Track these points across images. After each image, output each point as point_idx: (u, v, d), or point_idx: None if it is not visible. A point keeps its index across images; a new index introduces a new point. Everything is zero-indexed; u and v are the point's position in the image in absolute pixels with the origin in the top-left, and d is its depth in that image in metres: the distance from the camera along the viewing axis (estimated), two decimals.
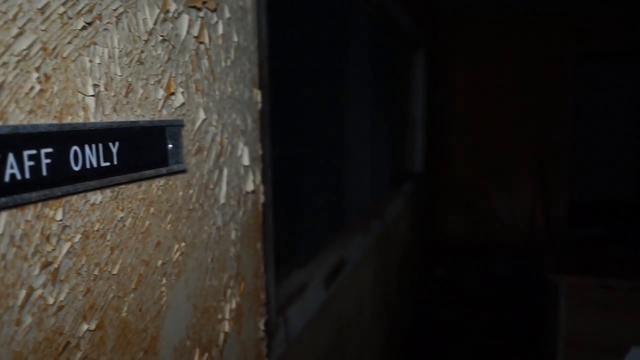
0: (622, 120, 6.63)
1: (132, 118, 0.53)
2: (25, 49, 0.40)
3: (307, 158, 1.85)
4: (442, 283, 4.67)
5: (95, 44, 0.48)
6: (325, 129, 2.07)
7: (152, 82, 0.56)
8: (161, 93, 0.58)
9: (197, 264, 0.66)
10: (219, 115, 0.71)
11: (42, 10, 0.42)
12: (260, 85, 0.88)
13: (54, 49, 0.43)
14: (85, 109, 0.47)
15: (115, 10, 0.50)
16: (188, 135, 0.64)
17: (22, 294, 0.41)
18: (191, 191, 0.64)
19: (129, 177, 0.52)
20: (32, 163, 0.40)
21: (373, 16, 2.69)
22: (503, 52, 5.17)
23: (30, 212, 0.41)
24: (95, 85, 0.48)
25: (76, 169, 0.45)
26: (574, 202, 5.30)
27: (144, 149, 0.54)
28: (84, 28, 0.46)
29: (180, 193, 0.62)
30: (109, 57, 0.50)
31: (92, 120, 0.48)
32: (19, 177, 0.39)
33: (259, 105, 0.85)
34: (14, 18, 0.39)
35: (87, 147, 0.46)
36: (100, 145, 0.48)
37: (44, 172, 0.41)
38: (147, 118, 0.56)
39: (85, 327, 0.47)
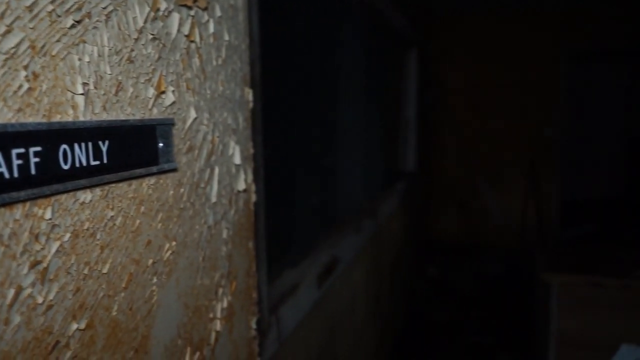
0: (613, 120, 6.68)
1: (122, 117, 0.53)
2: (13, 47, 0.40)
3: (299, 157, 1.85)
4: (434, 282, 4.69)
5: (84, 42, 0.48)
6: (317, 128, 2.08)
7: (142, 81, 0.56)
8: (152, 92, 0.58)
9: (189, 263, 0.66)
10: (210, 114, 0.71)
11: (30, 8, 0.42)
12: (251, 84, 0.88)
13: (43, 47, 0.43)
14: (74, 107, 0.47)
15: (104, 8, 0.50)
16: (179, 134, 0.64)
17: (11, 293, 0.40)
18: (182, 190, 0.64)
19: (119, 176, 0.51)
20: (20, 162, 0.40)
21: (365, 16, 2.69)
22: (495, 51, 5.19)
23: (18, 211, 0.41)
24: (84, 84, 0.48)
25: (65, 167, 0.44)
26: (566, 201, 5.34)
27: (134, 148, 0.54)
28: (73, 26, 0.46)
29: (171, 192, 0.62)
30: (99, 55, 0.50)
31: (81, 118, 0.47)
32: (7, 176, 0.39)
33: (251, 104, 0.85)
34: (2, 16, 0.39)
35: (76, 146, 0.46)
36: (90, 144, 0.48)
37: (33, 171, 0.41)
38: (138, 117, 0.55)
39: (75, 326, 0.47)
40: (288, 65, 1.70)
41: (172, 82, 0.61)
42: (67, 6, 0.45)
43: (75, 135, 0.45)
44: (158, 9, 0.58)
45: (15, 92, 0.40)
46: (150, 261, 0.58)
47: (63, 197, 0.45)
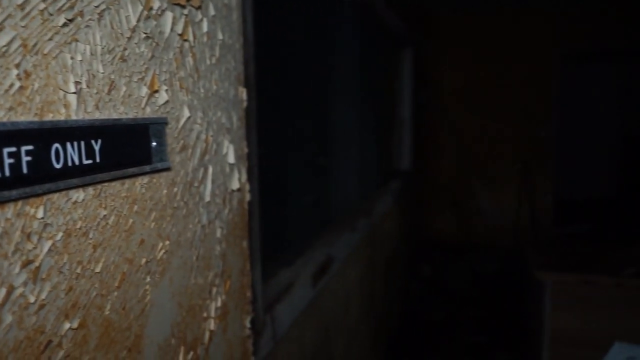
0: (607, 120, 6.72)
1: (115, 116, 0.53)
2: (4, 46, 0.40)
3: (294, 156, 1.85)
4: (429, 281, 4.70)
5: (76, 40, 0.48)
6: (313, 127, 2.08)
7: (135, 80, 0.56)
8: (145, 91, 0.58)
9: (182, 262, 0.66)
10: (203, 113, 0.71)
11: (21, 6, 0.41)
12: (245, 83, 0.88)
13: (35, 45, 0.43)
14: (66, 106, 0.46)
15: (97, 7, 0.50)
16: (172, 133, 0.63)
17: (2, 292, 0.40)
18: (176, 189, 0.64)
19: (112, 175, 0.51)
20: (11, 160, 0.40)
21: (359, 15, 2.69)
22: (490, 51, 5.21)
23: (10, 210, 0.41)
24: (77, 83, 0.48)
25: (57, 166, 0.44)
26: (559, 201, 5.37)
27: (127, 147, 0.54)
28: (65, 25, 0.46)
29: (165, 191, 0.62)
30: (91, 54, 0.49)
31: (74, 117, 0.47)
32: None
33: (245, 103, 0.85)
34: None
35: (68, 145, 0.45)
36: (83, 143, 0.48)
37: (25, 170, 0.41)
38: (131, 116, 0.55)
39: (67, 325, 0.47)
40: (283, 64, 1.70)
41: (165, 81, 0.61)
42: (59, 5, 0.45)
43: (67, 134, 0.45)
44: (151, 8, 0.58)
45: (6, 90, 0.40)
46: (144, 260, 0.58)
47: (55, 196, 0.45)
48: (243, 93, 0.84)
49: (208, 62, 0.72)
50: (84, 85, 0.48)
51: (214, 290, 0.75)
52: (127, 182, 0.55)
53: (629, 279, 2.27)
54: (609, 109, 6.70)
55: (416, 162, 4.69)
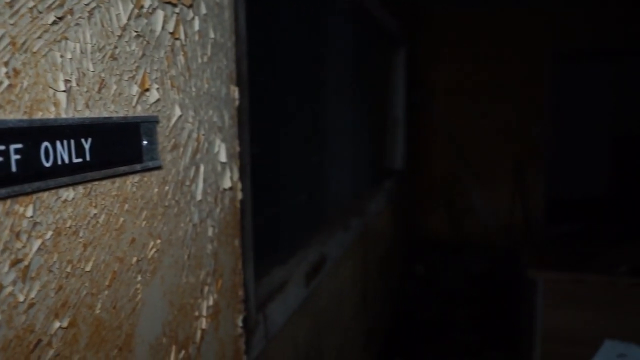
0: (599, 120, 6.77)
1: (105, 114, 0.53)
2: None
3: (287, 155, 1.85)
4: (422, 280, 4.72)
5: (66, 39, 0.47)
6: (306, 126, 2.08)
7: (126, 78, 0.56)
8: (135, 89, 0.57)
9: (173, 261, 0.66)
10: (195, 112, 0.71)
11: (10, 4, 0.41)
12: (238, 82, 0.88)
13: (24, 43, 0.43)
14: (56, 104, 0.46)
15: (87, 5, 0.50)
16: (163, 131, 0.63)
17: None
18: (167, 188, 0.64)
19: (102, 174, 0.51)
20: (0, 159, 0.40)
21: (353, 14, 2.69)
22: (483, 51, 5.23)
23: None
24: (66, 81, 0.47)
25: (47, 165, 0.44)
26: (552, 200, 5.40)
27: (117, 146, 0.54)
28: (54, 23, 0.46)
29: (156, 190, 0.62)
30: (81, 52, 0.49)
31: (63, 116, 0.47)
32: None
33: (237, 102, 0.85)
34: None
35: (58, 143, 0.45)
36: (72, 141, 0.47)
37: (14, 168, 0.41)
38: (121, 114, 0.55)
39: (57, 324, 0.47)
40: (275, 63, 1.70)
41: (156, 79, 0.61)
42: (49, 2, 0.45)
43: (57, 133, 0.45)
44: (142, 6, 0.58)
45: None
46: (135, 259, 0.58)
47: (45, 194, 0.45)
48: (235, 92, 0.84)
49: (200, 60, 0.72)
50: (73, 84, 0.48)
51: (206, 289, 0.75)
52: (118, 180, 0.55)
53: (620, 277, 2.29)
54: (601, 109, 6.75)
55: (410, 161, 4.71)
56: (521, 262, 2.66)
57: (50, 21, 0.45)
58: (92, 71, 0.51)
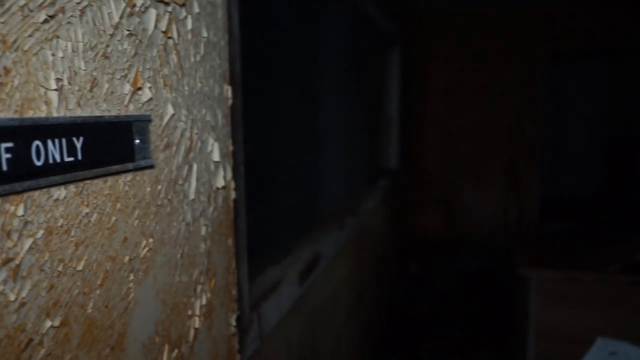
0: (594, 119, 6.80)
1: (97, 113, 0.53)
2: None
3: (282, 155, 1.85)
4: (416, 279, 4.73)
5: (58, 37, 0.47)
6: (300, 125, 2.08)
7: (118, 77, 0.56)
8: (128, 88, 0.57)
9: (166, 260, 0.66)
10: (188, 111, 0.71)
11: (1, 2, 0.41)
12: (231, 81, 0.88)
13: (14, 42, 0.43)
14: (47, 103, 0.46)
15: (78, 3, 0.50)
16: (156, 130, 0.63)
17: None
18: (159, 187, 0.64)
19: (94, 173, 0.51)
20: None
21: (347, 14, 2.70)
22: (478, 50, 5.24)
23: None
24: (58, 79, 0.47)
25: (38, 164, 0.44)
26: (546, 199, 5.42)
27: (109, 144, 0.54)
28: (45, 21, 0.46)
29: (148, 189, 0.62)
30: (73, 51, 0.49)
31: (55, 114, 0.47)
32: None
33: (230, 101, 0.85)
34: None
35: (49, 142, 0.45)
36: (64, 140, 0.47)
37: (4, 167, 0.41)
38: (113, 113, 0.55)
39: (48, 323, 0.47)
40: (270, 62, 1.70)
41: (148, 78, 0.61)
42: (40, 1, 0.45)
43: (48, 131, 0.45)
44: (134, 5, 0.58)
45: None
46: (127, 258, 0.58)
47: (36, 193, 0.45)
48: (228, 91, 0.84)
49: (192, 59, 0.72)
50: (65, 82, 0.48)
51: (199, 288, 0.75)
52: (110, 179, 0.55)
53: (613, 275, 2.30)
54: (596, 109, 6.78)
55: (404, 160, 4.71)
56: (514, 260, 2.67)
57: (41, 19, 0.45)
58: (84, 70, 0.51)
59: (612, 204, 6.19)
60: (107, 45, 0.54)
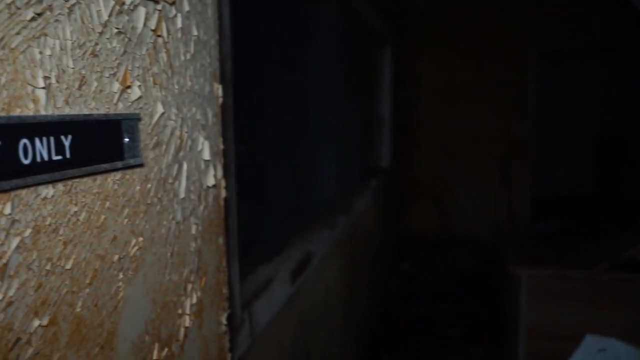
0: (584, 118, 6.86)
1: (85, 111, 0.52)
2: None
3: (273, 154, 1.85)
4: (408, 277, 4.75)
5: (45, 35, 0.47)
6: (292, 124, 2.08)
7: (107, 75, 0.55)
8: (117, 86, 0.57)
9: (156, 259, 0.66)
10: (178, 109, 0.71)
11: None
12: (222, 80, 0.88)
13: (1, 40, 0.42)
14: (35, 101, 0.46)
15: (67, 1, 0.49)
16: (145, 129, 0.63)
17: None
18: (149, 185, 0.64)
19: (83, 171, 0.51)
20: None
21: (340, 13, 2.70)
22: (469, 50, 5.26)
23: None
24: (46, 78, 0.47)
25: (26, 162, 0.44)
26: (536, 197, 5.46)
27: (98, 143, 0.54)
28: (33, 19, 0.46)
29: (138, 187, 0.62)
30: (61, 49, 0.49)
31: (43, 113, 0.47)
32: None
33: (220, 100, 0.85)
34: None
35: (37, 140, 0.45)
36: (52, 139, 0.47)
37: None
38: (102, 111, 0.55)
39: (37, 322, 0.46)
40: (261, 60, 1.70)
41: (138, 76, 0.61)
42: None
43: (36, 130, 0.45)
44: (123, 3, 0.58)
45: None
46: (116, 257, 0.58)
47: (23, 192, 0.45)
48: (219, 89, 0.84)
49: (182, 58, 0.72)
50: (53, 80, 0.48)
51: (189, 286, 0.75)
52: (99, 178, 0.55)
53: (602, 273, 2.33)
54: (586, 108, 6.84)
55: (396, 160, 4.73)
56: (505, 259, 2.69)
57: (28, 17, 0.45)
58: (72, 68, 0.50)
59: (601, 202, 6.25)
60: (96, 44, 0.54)
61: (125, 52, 0.58)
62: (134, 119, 0.59)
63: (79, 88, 0.51)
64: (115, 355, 0.58)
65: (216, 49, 0.83)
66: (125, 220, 0.59)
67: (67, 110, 0.50)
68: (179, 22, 0.70)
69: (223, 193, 0.86)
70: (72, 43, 0.50)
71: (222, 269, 0.86)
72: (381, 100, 4.29)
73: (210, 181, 0.80)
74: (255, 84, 1.63)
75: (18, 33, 0.44)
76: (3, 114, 0.42)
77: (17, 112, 0.44)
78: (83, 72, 0.52)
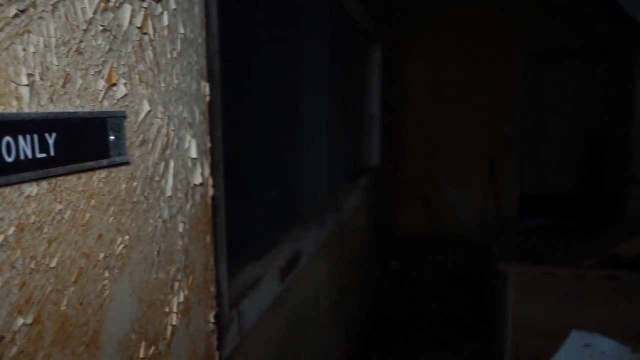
0: (571, 117, 6.93)
1: (70, 109, 0.52)
2: None
3: (263, 152, 1.85)
4: (398, 276, 4.77)
5: (29, 32, 0.47)
6: (282, 123, 2.08)
7: (92, 73, 0.55)
8: (102, 84, 0.57)
9: (143, 257, 0.66)
10: (164, 108, 0.70)
11: None
12: (209, 78, 0.88)
13: None
14: (19, 99, 0.46)
15: None
16: (132, 127, 0.63)
17: None
18: (135, 184, 0.64)
19: (68, 169, 0.51)
20: None
21: (329, 12, 2.70)
22: (457, 50, 5.29)
23: None
24: (29, 75, 0.47)
25: (9, 160, 0.44)
26: (524, 195, 5.51)
27: (83, 141, 0.53)
28: (16, 16, 0.45)
29: (124, 186, 0.62)
30: (45, 46, 0.49)
31: (26, 110, 0.47)
32: None
33: (208, 98, 0.85)
34: None
35: (20, 138, 0.45)
36: (36, 136, 0.47)
37: None
38: (87, 109, 0.55)
39: (21, 321, 0.46)
40: (250, 59, 1.70)
41: (124, 74, 0.61)
42: None
43: (19, 127, 0.45)
44: (109, 1, 0.58)
45: None
46: (102, 255, 0.58)
47: (7, 190, 0.44)
48: (206, 88, 0.84)
49: (169, 56, 0.71)
50: (37, 78, 0.48)
51: (177, 285, 0.74)
52: (84, 176, 0.54)
53: (588, 270, 2.35)
54: (573, 107, 6.91)
55: (385, 158, 4.74)
56: (493, 256, 2.71)
57: (12, 14, 0.45)
58: (57, 65, 0.50)
59: (587, 200, 6.32)
60: (81, 41, 0.53)
61: (110, 49, 0.58)
62: (120, 117, 0.59)
63: (64, 86, 0.51)
64: (102, 354, 0.58)
65: (203, 47, 0.83)
66: (111, 218, 0.59)
67: (51, 108, 0.49)
68: (165, 20, 0.70)
69: (211, 191, 0.86)
70: (57, 40, 0.50)
71: (209, 267, 0.86)
72: (371, 98, 4.30)
73: (198, 179, 0.80)
74: (244, 82, 1.63)
75: (1, 30, 0.44)
76: None
77: (0, 109, 0.44)
78: (68, 69, 0.52)
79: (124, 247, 0.61)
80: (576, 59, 6.73)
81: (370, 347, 3.44)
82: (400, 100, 5.43)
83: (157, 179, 0.69)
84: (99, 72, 0.56)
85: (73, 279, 0.53)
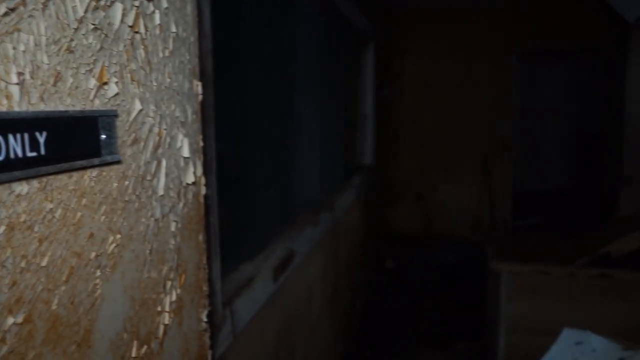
0: (564, 116, 6.97)
1: (61, 108, 0.52)
2: None
3: (256, 151, 1.85)
4: (392, 274, 4.78)
5: (19, 30, 0.47)
6: (275, 122, 2.07)
7: (83, 72, 0.55)
8: (93, 83, 0.57)
9: (134, 256, 0.66)
10: (156, 106, 0.70)
11: None
12: (201, 77, 0.88)
13: None
14: (8, 97, 0.46)
15: None
16: (123, 125, 0.63)
17: None
18: (127, 182, 0.64)
19: (58, 168, 0.51)
20: None
21: (323, 11, 2.70)
22: (451, 49, 5.31)
23: None
24: (19, 74, 0.47)
25: None
26: (517, 194, 5.54)
27: (74, 140, 0.53)
28: (6, 14, 0.45)
29: (115, 184, 0.61)
30: (35, 44, 0.49)
31: (16, 109, 0.46)
32: None
33: (200, 97, 0.84)
34: None
35: (10, 137, 0.45)
36: (26, 135, 0.47)
37: None
38: (78, 108, 0.55)
39: (11, 320, 0.46)
40: (243, 58, 1.69)
41: (115, 73, 0.61)
42: None
43: (9, 126, 0.44)
44: None
45: None
46: (93, 254, 0.58)
47: None
48: (198, 86, 0.84)
49: (161, 54, 0.71)
50: (27, 77, 0.48)
51: (169, 284, 0.74)
52: (75, 175, 0.54)
53: (580, 268, 2.37)
54: (566, 106, 6.94)
55: (379, 157, 4.75)
56: (486, 255, 2.72)
57: (1, 13, 0.45)
58: (47, 64, 0.50)
59: (579, 198, 6.36)
60: (72, 40, 0.53)
61: (101, 48, 0.58)
62: (111, 115, 0.59)
63: (54, 84, 0.51)
64: (93, 353, 0.58)
65: (196, 45, 0.83)
66: (103, 217, 0.59)
67: (42, 107, 0.49)
68: (157, 19, 0.70)
69: (203, 190, 0.86)
70: (47, 39, 0.50)
71: (202, 266, 0.86)
72: (364, 97, 4.31)
73: (190, 178, 0.80)
74: (237, 80, 1.63)
75: None
76: None
77: None
78: (58, 68, 0.51)
79: (115, 246, 0.61)
80: (569, 59, 6.76)
81: (364, 346, 3.44)
82: (394, 99, 5.44)
83: (148, 177, 0.69)
84: (90, 70, 0.56)
85: (64, 278, 0.53)
